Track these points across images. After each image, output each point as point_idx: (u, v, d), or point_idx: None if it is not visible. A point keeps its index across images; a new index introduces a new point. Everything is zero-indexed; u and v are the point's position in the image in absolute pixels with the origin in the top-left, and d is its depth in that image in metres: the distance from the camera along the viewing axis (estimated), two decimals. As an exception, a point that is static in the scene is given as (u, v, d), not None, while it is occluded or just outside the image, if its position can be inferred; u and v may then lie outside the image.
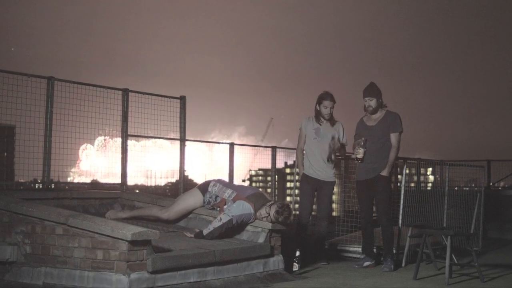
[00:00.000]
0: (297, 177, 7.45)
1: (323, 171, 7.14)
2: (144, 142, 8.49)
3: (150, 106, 8.25)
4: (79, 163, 7.90)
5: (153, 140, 8.56)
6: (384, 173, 6.89)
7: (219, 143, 10.19)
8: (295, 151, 7.84)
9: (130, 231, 4.72)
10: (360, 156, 6.92)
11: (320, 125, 7.16)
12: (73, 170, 7.83)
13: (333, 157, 7.21)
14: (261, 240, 6.02)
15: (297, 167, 7.44)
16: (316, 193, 7.22)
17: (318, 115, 7.18)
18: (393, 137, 6.94)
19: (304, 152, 7.30)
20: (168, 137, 8.66)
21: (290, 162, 7.77)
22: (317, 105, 7.17)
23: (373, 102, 6.99)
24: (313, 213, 7.63)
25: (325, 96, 7.15)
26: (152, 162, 8.99)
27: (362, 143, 6.89)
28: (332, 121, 7.19)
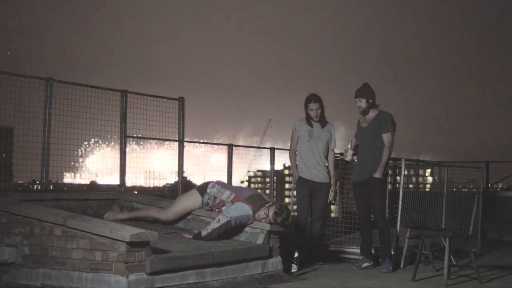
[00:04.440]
0: (291, 178, 7.45)
1: (318, 172, 7.17)
2: (143, 143, 8.47)
3: (149, 107, 8.26)
4: (77, 164, 7.89)
5: (152, 141, 8.54)
6: (377, 174, 6.87)
7: (217, 144, 10.18)
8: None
9: (128, 232, 4.72)
10: (347, 158, 7.00)
11: (312, 127, 7.20)
12: (71, 171, 7.82)
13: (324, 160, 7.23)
14: (259, 241, 6.02)
15: (291, 169, 7.45)
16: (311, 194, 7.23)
17: (308, 118, 7.24)
18: (385, 137, 6.93)
19: (296, 154, 7.33)
20: (167, 138, 8.64)
21: (288, 163, 7.80)
22: (305, 108, 7.22)
23: (362, 103, 6.99)
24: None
25: (310, 98, 7.20)
26: (151, 163, 8.97)
27: (349, 146, 6.96)
28: (323, 122, 7.23)
